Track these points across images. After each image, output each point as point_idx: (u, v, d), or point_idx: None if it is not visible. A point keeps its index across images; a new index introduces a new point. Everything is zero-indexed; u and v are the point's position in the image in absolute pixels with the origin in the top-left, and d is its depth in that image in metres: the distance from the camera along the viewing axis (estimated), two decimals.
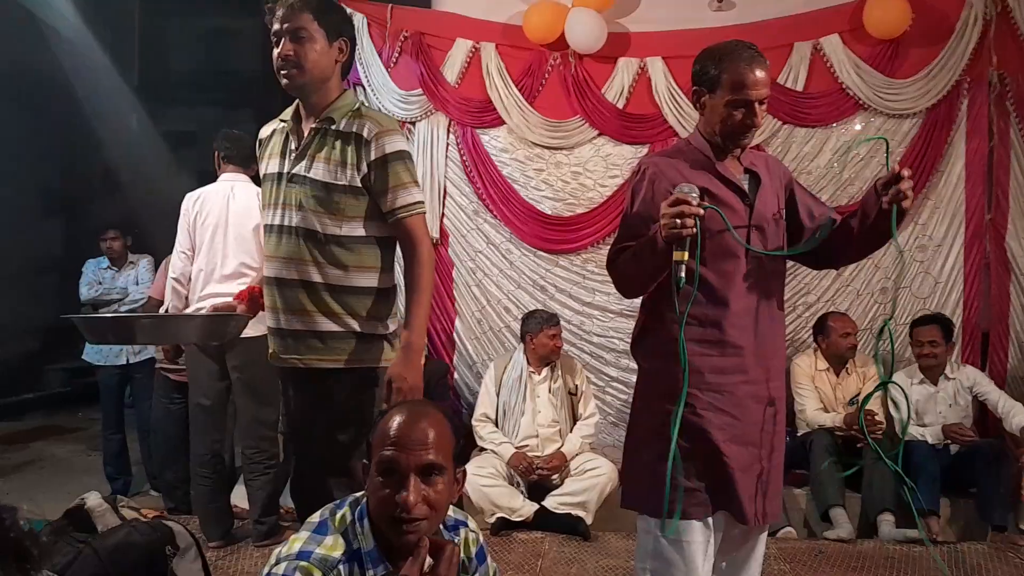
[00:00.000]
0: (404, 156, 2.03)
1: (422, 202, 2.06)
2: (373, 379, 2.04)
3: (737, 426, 1.92)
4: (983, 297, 4.15)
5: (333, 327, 2.01)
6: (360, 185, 1.99)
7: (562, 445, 3.73)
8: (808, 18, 4.30)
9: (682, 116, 4.23)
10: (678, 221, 1.73)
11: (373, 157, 1.99)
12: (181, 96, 9.31)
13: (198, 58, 10.34)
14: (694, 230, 1.74)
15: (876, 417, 3.67)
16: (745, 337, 1.91)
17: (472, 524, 1.67)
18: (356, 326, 2.02)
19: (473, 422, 3.89)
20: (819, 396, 3.91)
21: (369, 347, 2.04)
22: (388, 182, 1.99)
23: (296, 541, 1.41)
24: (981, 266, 4.15)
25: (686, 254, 1.78)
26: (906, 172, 1.76)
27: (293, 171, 2.02)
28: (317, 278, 2.01)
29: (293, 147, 2.06)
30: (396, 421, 1.44)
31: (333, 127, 2.02)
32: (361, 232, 2.02)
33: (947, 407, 3.79)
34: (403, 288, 2.07)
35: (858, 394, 3.89)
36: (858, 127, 4.26)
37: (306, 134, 2.04)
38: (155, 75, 9.23)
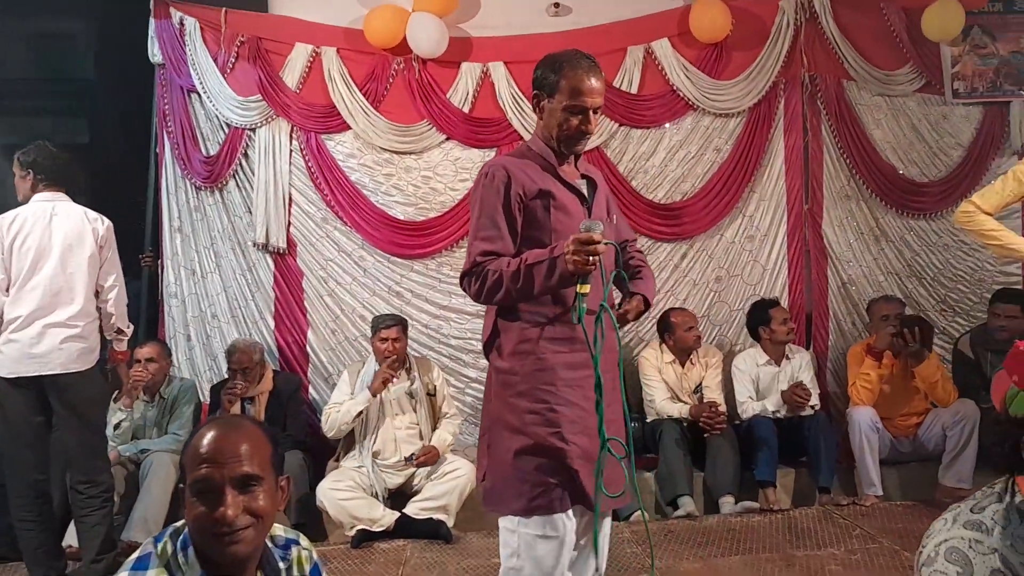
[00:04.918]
0: None
1: None
2: None
3: (586, 418, 1.99)
4: (805, 281, 4.51)
5: None
6: None
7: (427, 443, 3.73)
8: (640, 23, 4.50)
9: (525, 120, 4.32)
10: (591, 259, 1.80)
11: None
12: (5, 105, 8.54)
13: (23, 64, 9.51)
14: (596, 266, 1.84)
15: (719, 408, 3.91)
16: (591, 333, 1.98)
17: (304, 541, 1.65)
18: None
19: (323, 417, 3.79)
20: (666, 386, 4.11)
21: None
22: None
23: None
24: (802, 253, 4.51)
25: (588, 287, 1.86)
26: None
27: None
28: None
29: None
30: (205, 439, 1.40)
31: None
32: None
33: (786, 386, 4.04)
34: None
35: (701, 382, 4.13)
36: (689, 126, 4.51)
37: None
38: None
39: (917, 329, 3.79)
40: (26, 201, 3.16)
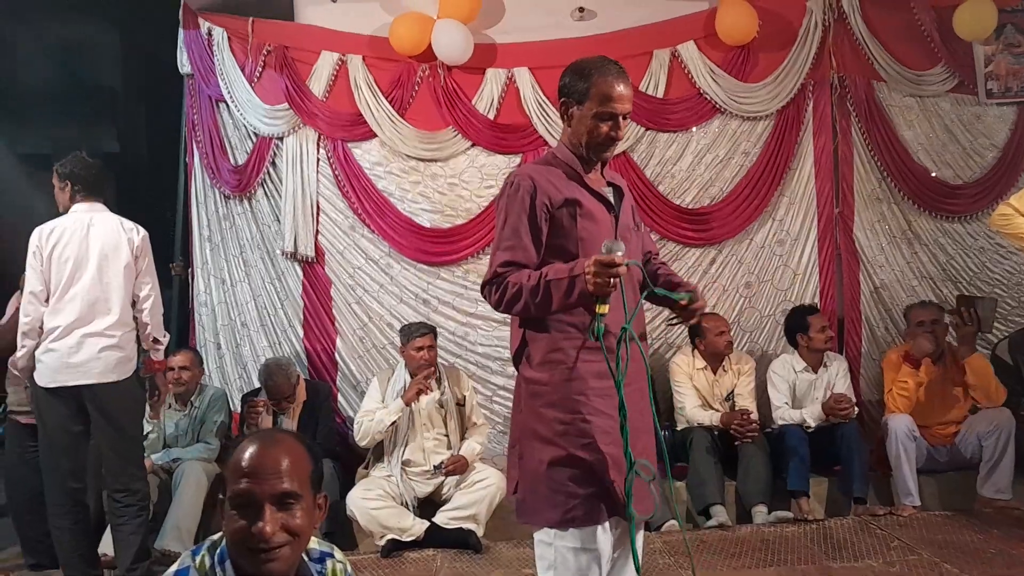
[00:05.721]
0: None
1: None
2: None
3: (618, 429, 1.96)
4: (837, 286, 4.45)
5: None
6: None
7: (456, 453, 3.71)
8: (666, 26, 4.47)
9: (551, 126, 4.30)
10: (612, 281, 1.79)
11: None
12: (31, 114, 8.67)
13: (53, 74, 9.65)
14: (617, 288, 1.82)
15: (752, 416, 3.86)
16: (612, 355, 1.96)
17: (339, 555, 1.65)
18: None
19: (355, 425, 3.76)
20: (697, 393, 4.06)
21: None
22: None
23: None
24: (833, 257, 4.44)
25: (608, 307, 1.84)
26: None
27: None
28: None
29: None
30: (247, 452, 1.41)
31: None
32: None
33: (823, 393, 3.97)
34: None
35: (733, 390, 4.08)
36: (716, 130, 4.46)
37: None
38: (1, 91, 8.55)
39: (974, 311, 3.69)
40: (65, 212, 3.20)
